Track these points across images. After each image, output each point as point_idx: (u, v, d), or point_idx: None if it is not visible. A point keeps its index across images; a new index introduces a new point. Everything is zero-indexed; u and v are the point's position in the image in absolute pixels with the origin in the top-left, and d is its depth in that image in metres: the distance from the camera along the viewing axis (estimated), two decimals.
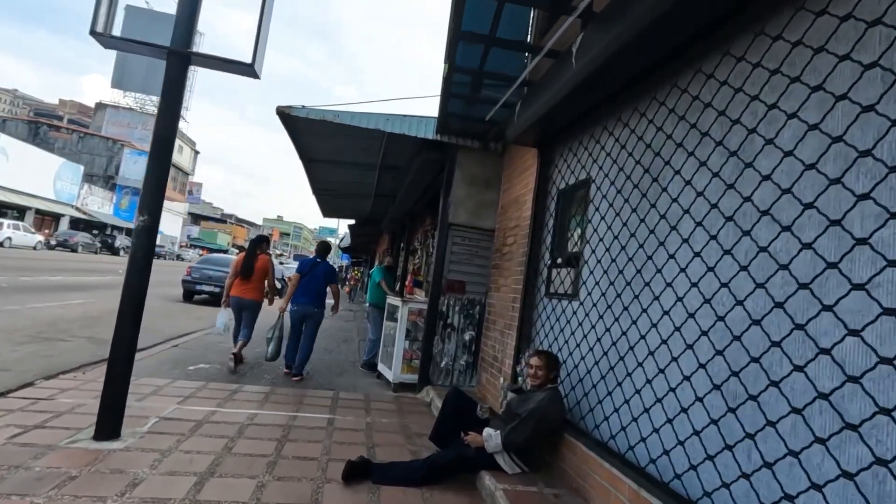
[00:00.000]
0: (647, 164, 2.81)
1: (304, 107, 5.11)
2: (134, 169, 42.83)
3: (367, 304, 6.86)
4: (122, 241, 34.62)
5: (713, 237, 2.23)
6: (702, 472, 2.09)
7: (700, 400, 2.16)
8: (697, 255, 2.31)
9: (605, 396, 2.94)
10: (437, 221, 5.52)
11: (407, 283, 8.31)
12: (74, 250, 27.89)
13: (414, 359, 5.55)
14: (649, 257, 2.67)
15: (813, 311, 1.70)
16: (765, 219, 1.96)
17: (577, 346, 3.34)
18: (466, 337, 5.48)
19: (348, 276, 29.55)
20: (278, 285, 9.07)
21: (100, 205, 41.19)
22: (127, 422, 3.23)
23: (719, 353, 2.09)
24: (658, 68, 2.74)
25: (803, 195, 1.80)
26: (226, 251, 40.73)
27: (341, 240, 30.74)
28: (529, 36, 4.43)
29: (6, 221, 24.07)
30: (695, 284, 2.29)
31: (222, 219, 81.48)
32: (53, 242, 28.13)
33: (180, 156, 48.63)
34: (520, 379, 4.16)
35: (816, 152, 1.77)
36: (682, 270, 2.39)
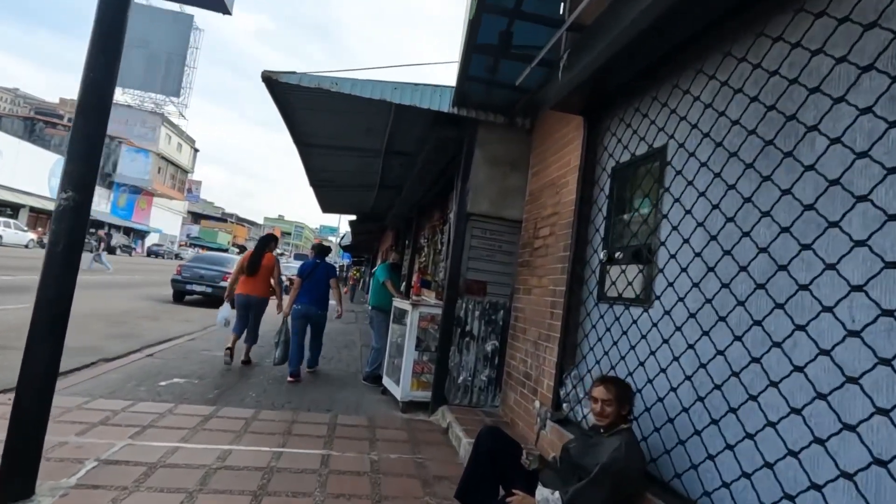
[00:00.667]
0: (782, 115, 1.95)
1: (295, 72, 4.26)
2: (132, 166, 42.01)
3: (370, 307, 6.01)
4: (118, 239, 33.91)
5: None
6: None
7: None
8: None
9: (691, 436, 2.10)
10: (447, 214, 4.73)
11: (414, 282, 7.44)
12: None
13: (426, 372, 4.70)
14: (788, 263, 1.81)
15: None
16: None
17: (658, 368, 2.48)
18: (488, 348, 4.63)
19: (347, 276, 28.78)
20: (286, 282, 9.21)
21: (96, 203, 40.43)
22: (50, 469, 2.42)
23: None
24: None
25: None
26: (226, 250, 40.01)
27: (342, 238, 29.93)
28: None
29: None
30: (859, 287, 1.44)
31: (223, 218, 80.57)
32: (46, 241, 27.32)
33: (179, 154, 47.71)
34: (564, 406, 3.30)
35: None
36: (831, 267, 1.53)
